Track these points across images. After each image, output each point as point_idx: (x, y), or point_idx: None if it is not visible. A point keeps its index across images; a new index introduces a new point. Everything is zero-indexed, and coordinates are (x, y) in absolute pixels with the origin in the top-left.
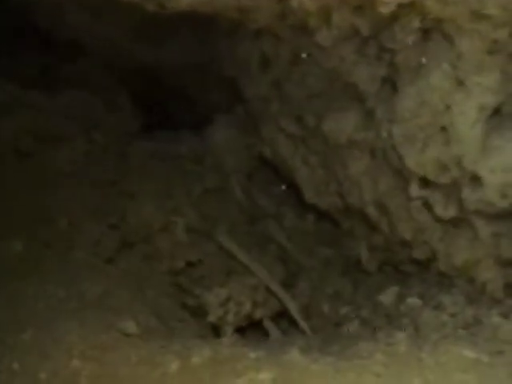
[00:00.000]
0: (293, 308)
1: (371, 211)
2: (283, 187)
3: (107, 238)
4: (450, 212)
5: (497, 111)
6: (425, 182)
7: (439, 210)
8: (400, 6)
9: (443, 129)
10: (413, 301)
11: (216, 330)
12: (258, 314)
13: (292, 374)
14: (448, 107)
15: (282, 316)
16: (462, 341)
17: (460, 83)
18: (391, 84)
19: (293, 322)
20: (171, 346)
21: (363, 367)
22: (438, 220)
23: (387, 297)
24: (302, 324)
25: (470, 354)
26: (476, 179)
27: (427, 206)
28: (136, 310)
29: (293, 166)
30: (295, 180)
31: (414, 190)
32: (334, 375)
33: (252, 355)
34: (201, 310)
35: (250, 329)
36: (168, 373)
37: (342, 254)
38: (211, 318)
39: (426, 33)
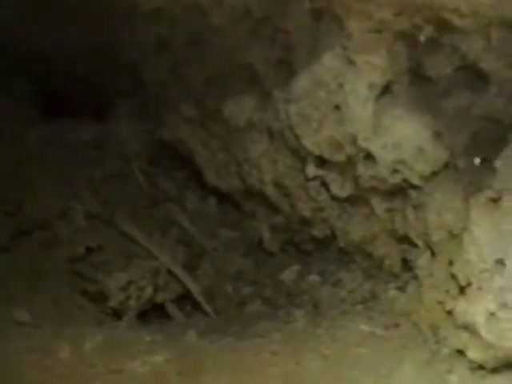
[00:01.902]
0: (195, 290)
1: (271, 192)
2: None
3: (2, 226)
4: (346, 190)
5: (387, 90)
6: (321, 162)
7: (336, 189)
8: None
9: (337, 108)
10: (313, 278)
11: (118, 315)
12: (161, 297)
13: (187, 355)
14: (340, 86)
15: (185, 299)
16: (358, 316)
17: (350, 62)
18: (286, 65)
19: (196, 305)
20: (64, 333)
21: (260, 346)
22: (335, 198)
23: (288, 275)
24: (205, 306)
25: (365, 328)
26: (369, 157)
27: (324, 185)
28: (31, 299)
29: (193, 149)
30: (196, 163)
31: (311, 169)
32: (231, 356)
33: (148, 338)
34: (101, 295)
35: (154, 312)
36: (59, 359)
37: (244, 235)
38: (112, 303)
39: (317, 14)
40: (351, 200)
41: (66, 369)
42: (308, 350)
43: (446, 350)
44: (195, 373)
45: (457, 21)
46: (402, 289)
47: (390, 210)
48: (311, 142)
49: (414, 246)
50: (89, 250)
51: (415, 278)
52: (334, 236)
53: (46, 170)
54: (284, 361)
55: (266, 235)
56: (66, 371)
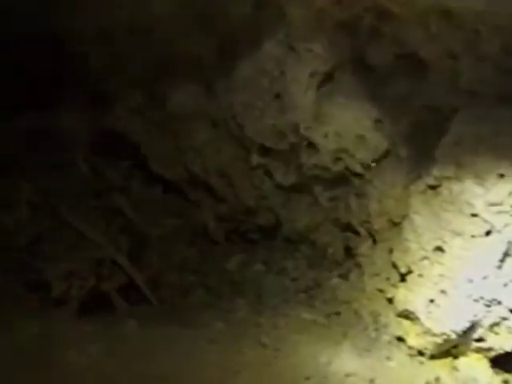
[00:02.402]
0: (139, 280)
1: (215, 181)
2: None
3: None
4: (290, 178)
5: (329, 78)
6: (264, 150)
7: (279, 177)
8: None
9: (279, 96)
10: (257, 267)
11: (60, 305)
12: (105, 286)
13: (125, 344)
14: (282, 74)
15: (129, 288)
16: (301, 304)
17: (292, 50)
18: (229, 53)
19: (141, 294)
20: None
21: (199, 335)
22: (279, 187)
23: (232, 264)
24: (149, 295)
25: (307, 316)
26: (312, 145)
27: (268, 173)
28: None
29: (138, 138)
30: (141, 152)
31: (255, 158)
32: (169, 344)
33: (87, 328)
34: (43, 285)
35: (98, 302)
36: None
37: (189, 224)
38: (54, 293)
39: (258, 2)
40: (295, 188)
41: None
42: (248, 339)
43: (386, 337)
44: (133, 362)
45: (396, 9)
46: (344, 277)
47: (333, 199)
48: (254, 131)
49: (357, 233)
50: (30, 240)
51: (358, 266)
52: (278, 225)
53: None
54: (223, 349)
55: (211, 224)
56: None
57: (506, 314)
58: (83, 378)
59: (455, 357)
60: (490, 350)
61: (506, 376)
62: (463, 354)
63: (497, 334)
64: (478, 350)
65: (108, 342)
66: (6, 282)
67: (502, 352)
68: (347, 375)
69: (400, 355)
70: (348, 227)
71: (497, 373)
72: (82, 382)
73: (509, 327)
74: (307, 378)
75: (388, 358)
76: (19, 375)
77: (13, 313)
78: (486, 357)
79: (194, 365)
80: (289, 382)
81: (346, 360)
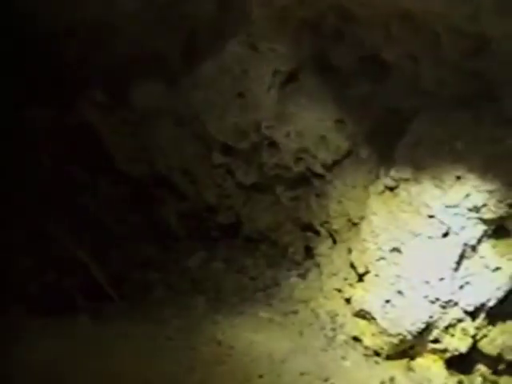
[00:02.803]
0: (101, 277)
1: (178, 178)
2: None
3: None
4: (251, 177)
5: (292, 78)
6: (226, 149)
7: (241, 176)
8: None
9: (241, 95)
10: (217, 265)
11: (19, 301)
12: (66, 283)
13: (81, 342)
14: (245, 72)
15: (91, 285)
16: (259, 303)
17: (255, 49)
18: (193, 52)
19: (102, 290)
20: None
21: (156, 331)
22: (241, 186)
23: (194, 262)
24: (111, 292)
25: (264, 314)
26: (273, 145)
27: (230, 172)
28: None
29: (103, 135)
30: (106, 149)
31: (217, 156)
32: (126, 341)
33: (43, 324)
34: (2, 280)
35: (58, 299)
36: None
37: (152, 222)
38: (13, 289)
39: (221, 1)
40: (256, 187)
41: None
42: (204, 336)
43: (342, 337)
44: (88, 359)
45: (358, 11)
46: (303, 276)
47: (294, 199)
48: (216, 129)
49: (317, 234)
50: None
51: (317, 265)
52: (240, 223)
53: None
54: (179, 346)
55: (174, 221)
56: None
57: (462, 315)
58: (35, 376)
59: (411, 358)
60: (445, 351)
61: (461, 377)
62: (419, 354)
63: (452, 335)
64: (434, 351)
65: (63, 340)
66: None
67: (456, 353)
68: (302, 374)
69: (355, 355)
70: (308, 227)
71: (452, 374)
72: (33, 381)
73: (464, 329)
74: (261, 376)
75: (343, 358)
76: None
77: None
78: (441, 358)
79: (151, 362)
80: (242, 380)
81: (301, 359)
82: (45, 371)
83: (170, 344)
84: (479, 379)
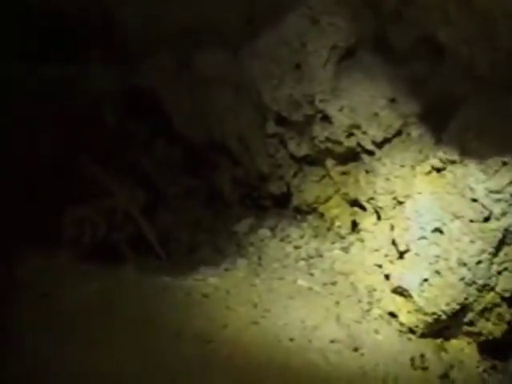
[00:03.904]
0: (150, 233)
1: (233, 145)
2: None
3: None
4: (303, 149)
5: (349, 54)
6: (280, 119)
7: (293, 147)
8: None
9: (298, 66)
10: (263, 232)
11: (68, 248)
12: (115, 236)
13: (119, 288)
14: (303, 45)
15: (139, 240)
16: (299, 271)
17: (315, 23)
18: (254, 22)
19: (150, 248)
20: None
21: (194, 288)
22: (293, 157)
23: (241, 227)
24: (158, 249)
25: (303, 283)
26: (326, 118)
27: (283, 142)
28: None
29: (164, 97)
30: (166, 111)
31: (271, 126)
32: (163, 293)
33: (83, 268)
34: (55, 228)
35: (107, 251)
36: None
37: (205, 186)
38: (65, 237)
39: None
40: (307, 160)
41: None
42: (240, 297)
43: (377, 311)
44: (122, 304)
45: None
46: (346, 250)
47: (343, 173)
48: (271, 99)
49: (363, 209)
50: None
51: (360, 240)
52: (289, 194)
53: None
54: (214, 304)
55: (226, 187)
56: None
57: (498, 300)
58: (73, 314)
59: (445, 338)
60: (479, 334)
61: (495, 362)
62: (453, 336)
63: (487, 319)
64: (468, 334)
65: (101, 284)
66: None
67: (490, 338)
68: (332, 341)
69: (389, 330)
70: (355, 202)
71: (484, 358)
72: (71, 319)
73: (500, 314)
74: (291, 340)
75: (376, 332)
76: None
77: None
78: (475, 341)
79: (184, 315)
80: (273, 341)
81: (333, 327)
82: (83, 311)
83: (205, 301)
84: None
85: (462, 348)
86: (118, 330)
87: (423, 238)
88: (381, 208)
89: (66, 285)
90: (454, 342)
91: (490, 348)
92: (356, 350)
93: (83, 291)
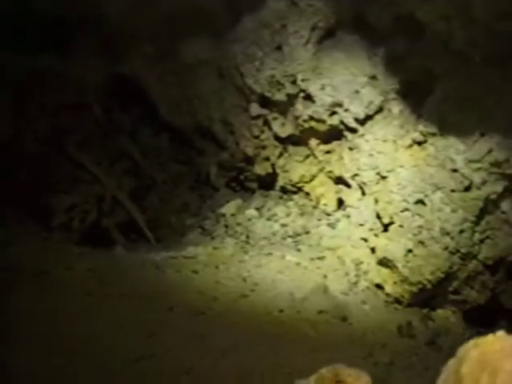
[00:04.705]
0: (139, 218)
1: (218, 129)
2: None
3: None
4: (287, 129)
5: (330, 34)
6: (264, 100)
7: (277, 128)
8: None
9: (279, 48)
10: (250, 212)
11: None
12: (105, 222)
13: (111, 267)
14: (284, 27)
15: (129, 226)
16: (287, 247)
17: (294, 4)
18: (236, 7)
19: (140, 232)
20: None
21: (184, 265)
22: (277, 137)
23: (228, 209)
24: (147, 233)
25: (291, 258)
26: (308, 97)
27: (267, 123)
28: None
29: (149, 84)
30: (152, 99)
31: (255, 108)
32: (154, 270)
33: (76, 250)
34: (46, 215)
35: (97, 236)
36: None
37: (192, 171)
38: (55, 223)
39: None
40: (292, 140)
41: None
42: (230, 272)
43: (364, 283)
44: (115, 281)
45: None
46: (332, 226)
47: (327, 152)
48: (254, 81)
49: (348, 186)
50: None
51: (346, 216)
52: (275, 175)
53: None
54: (204, 279)
55: (213, 171)
56: None
57: (481, 268)
58: (67, 291)
59: (432, 308)
60: (464, 302)
61: (480, 329)
62: (439, 306)
63: (472, 287)
64: (453, 303)
65: (94, 263)
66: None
67: (475, 305)
68: (320, 312)
69: (376, 301)
70: (340, 180)
71: (470, 326)
72: (65, 295)
73: (483, 282)
74: (281, 311)
75: (363, 302)
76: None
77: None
78: (460, 310)
79: (174, 290)
80: (263, 313)
81: (321, 298)
82: (77, 288)
83: (195, 276)
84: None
85: (447, 317)
86: (113, 305)
87: (406, 209)
88: (365, 184)
89: (62, 264)
90: (439, 311)
91: (475, 316)
92: (344, 319)
93: (78, 269)
